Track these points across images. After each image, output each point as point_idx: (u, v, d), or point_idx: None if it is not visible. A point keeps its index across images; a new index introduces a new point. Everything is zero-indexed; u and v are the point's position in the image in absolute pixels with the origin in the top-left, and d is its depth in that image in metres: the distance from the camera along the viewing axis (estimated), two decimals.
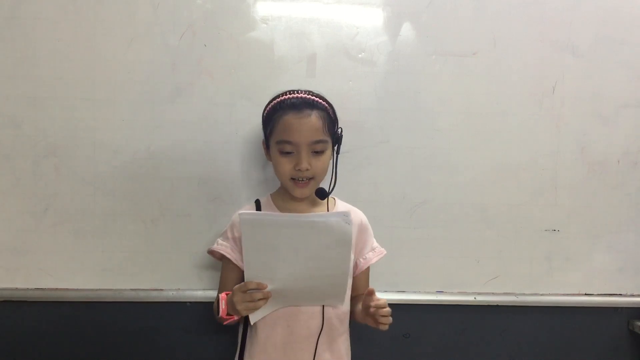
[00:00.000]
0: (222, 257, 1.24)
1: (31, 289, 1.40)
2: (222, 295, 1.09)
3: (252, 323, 1.13)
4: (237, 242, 1.22)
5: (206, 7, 1.38)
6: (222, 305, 1.08)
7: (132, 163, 1.39)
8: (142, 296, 1.42)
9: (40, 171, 1.38)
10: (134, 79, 1.38)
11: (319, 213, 1.11)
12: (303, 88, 1.19)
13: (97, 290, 1.41)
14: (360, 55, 1.43)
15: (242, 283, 1.05)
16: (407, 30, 1.44)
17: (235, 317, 1.09)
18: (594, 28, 1.48)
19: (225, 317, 1.08)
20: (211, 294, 1.38)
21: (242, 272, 1.19)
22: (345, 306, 1.21)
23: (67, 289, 1.41)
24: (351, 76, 1.43)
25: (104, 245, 1.40)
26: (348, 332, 1.25)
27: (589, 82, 1.49)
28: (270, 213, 1.04)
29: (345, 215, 1.01)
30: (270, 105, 1.19)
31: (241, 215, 1.00)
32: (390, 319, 1.08)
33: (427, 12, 1.43)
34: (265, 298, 1.04)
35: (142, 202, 1.40)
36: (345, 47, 1.42)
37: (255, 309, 1.05)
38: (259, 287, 1.03)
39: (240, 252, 1.21)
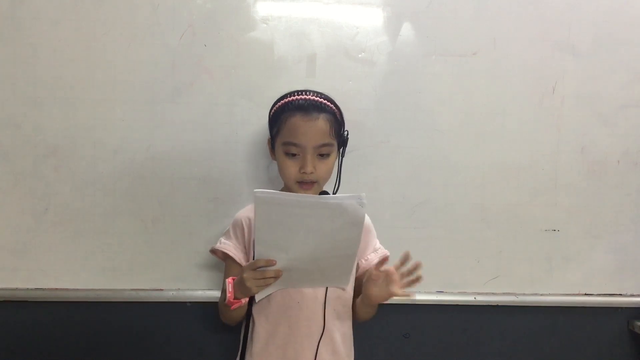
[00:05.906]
0: (225, 257, 1.24)
1: (31, 289, 1.40)
2: (229, 280, 1.09)
3: (256, 301, 1.13)
4: (240, 241, 1.22)
5: (206, 7, 1.38)
6: (229, 289, 1.08)
7: (132, 163, 1.39)
8: (142, 296, 1.42)
9: (40, 171, 1.38)
10: (134, 79, 1.38)
11: (333, 195, 1.11)
12: (305, 88, 1.19)
13: (97, 290, 1.41)
14: (360, 55, 1.43)
15: (252, 261, 1.05)
16: (407, 30, 1.44)
17: (242, 301, 1.09)
18: (594, 28, 1.48)
19: (232, 301, 1.08)
20: (211, 294, 1.38)
21: None
22: (347, 306, 1.21)
23: (67, 289, 1.41)
24: (351, 76, 1.43)
25: (104, 245, 1.40)
26: (351, 332, 1.25)
27: (589, 82, 1.49)
28: (284, 193, 1.03)
29: (360, 197, 1.01)
30: (277, 105, 1.18)
31: (255, 194, 0.99)
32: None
33: (427, 12, 1.43)
34: (277, 276, 1.04)
35: (142, 202, 1.40)
36: (345, 47, 1.42)
37: (265, 286, 1.05)
38: (268, 264, 1.04)
39: (243, 251, 1.21)
